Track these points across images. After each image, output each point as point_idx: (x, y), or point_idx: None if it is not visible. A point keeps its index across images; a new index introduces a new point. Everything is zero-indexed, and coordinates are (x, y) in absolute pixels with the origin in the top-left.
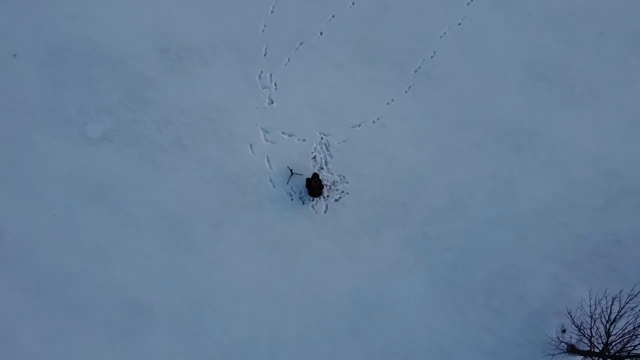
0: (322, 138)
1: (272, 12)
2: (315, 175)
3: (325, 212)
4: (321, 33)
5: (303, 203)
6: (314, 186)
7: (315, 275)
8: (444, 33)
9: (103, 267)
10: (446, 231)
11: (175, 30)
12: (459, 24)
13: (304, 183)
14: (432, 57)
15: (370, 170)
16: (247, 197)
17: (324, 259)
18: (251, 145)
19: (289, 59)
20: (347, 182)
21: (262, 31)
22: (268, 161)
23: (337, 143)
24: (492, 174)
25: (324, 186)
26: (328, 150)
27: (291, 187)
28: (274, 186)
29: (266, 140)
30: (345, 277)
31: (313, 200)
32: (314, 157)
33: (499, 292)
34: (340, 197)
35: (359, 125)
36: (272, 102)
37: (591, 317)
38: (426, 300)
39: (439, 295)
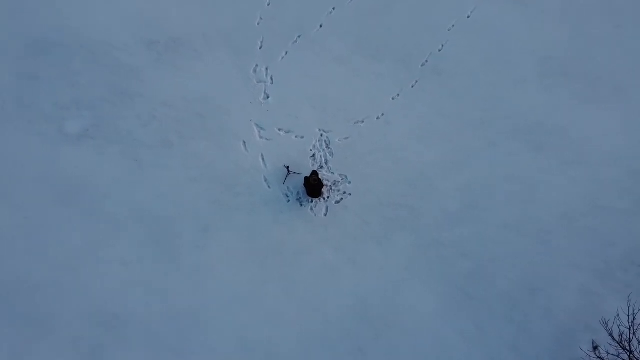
0: (322, 135)
1: (268, 4)
2: (315, 173)
3: (325, 215)
4: (321, 26)
5: (301, 205)
6: (313, 184)
7: (315, 286)
8: (452, 26)
9: (74, 276)
10: (460, 236)
11: (165, 22)
12: (468, 17)
13: (302, 183)
14: (440, 51)
15: (374, 169)
16: (239, 198)
17: (325, 268)
18: (244, 142)
19: (286, 53)
20: (350, 183)
21: (258, 24)
22: (263, 159)
23: (339, 140)
24: (510, 174)
25: (324, 186)
26: (328, 148)
27: (288, 187)
28: (268, 186)
29: (261, 137)
30: (348, 288)
31: (312, 201)
32: (313, 156)
33: (522, 304)
34: (342, 199)
35: (362, 122)
36: (268, 97)
37: (630, 328)
38: (440, 313)
39: (455, 308)
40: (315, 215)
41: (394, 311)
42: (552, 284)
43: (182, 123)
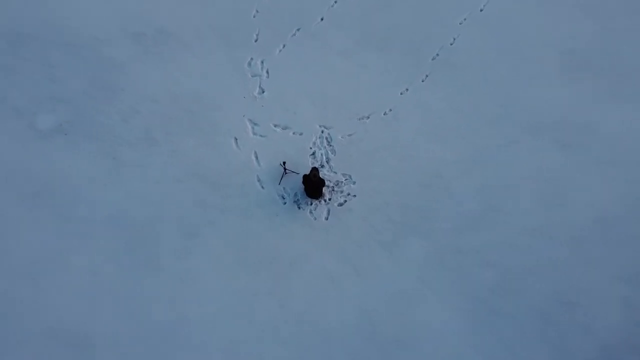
0: (322, 131)
1: None
2: (315, 170)
3: (326, 218)
4: (322, 19)
5: (299, 207)
6: (314, 182)
7: (314, 299)
8: (464, 19)
9: (34, 288)
10: (482, 243)
11: (153, 13)
12: (481, 10)
13: (300, 182)
14: (451, 44)
15: (381, 168)
16: (229, 200)
17: (326, 278)
18: (236, 139)
19: (284, 45)
20: (354, 183)
21: (254, 16)
22: (256, 157)
23: (341, 137)
24: (535, 174)
25: (326, 186)
26: (330, 146)
27: (284, 188)
28: (262, 187)
29: (254, 133)
30: (353, 302)
31: (311, 203)
32: (313, 154)
33: (557, 321)
34: (346, 201)
35: (368, 118)
36: (263, 92)
37: None
38: (461, 332)
39: (479, 326)
40: (315, 218)
41: (406, 329)
42: (591, 298)
43: (168, 119)
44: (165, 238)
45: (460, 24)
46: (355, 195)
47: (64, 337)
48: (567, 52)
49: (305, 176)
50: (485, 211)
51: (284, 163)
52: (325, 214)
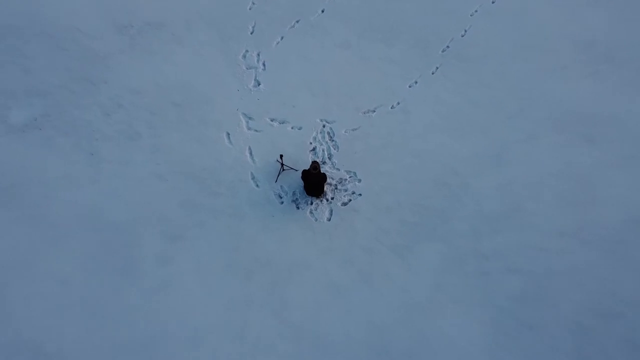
0: (324, 126)
1: None
2: (315, 163)
3: (329, 219)
4: (323, 11)
5: (297, 207)
6: (315, 174)
7: (316, 312)
8: (475, 11)
9: None
10: (505, 246)
11: (141, 5)
12: (493, 2)
13: (299, 180)
14: (462, 36)
15: (390, 165)
16: (218, 199)
17: (329, 288)
18: (228, 134)
19: (282, 38)
20: (359, 181)
21: (250, 8)
22: (250, 154)
23: (345, 132)
24: (560, 171)
25: (328, 184)
26: (332, 141)
27: (281, 186)
28: (257, 185)
29: (249, 128)
30: (361, 314)
31: (312, 203)
32: (314, 149)
33: (596, 334)
34: (351, 200)
35: (374, 111)
36: (259, 84)
37: None
38: (485, 347)
39: (505, 339)
40: (316, 220)
41: (422, 343)
42: (633, 308)
43: (153, 112)
44: (145, 241)
45: (471, 15)
46: (360, 194)
47: (27, 352)
48: (586, 44)
49: (304, 171)
50: (508, 211)
51: (281, 157)
52: (327, 214)
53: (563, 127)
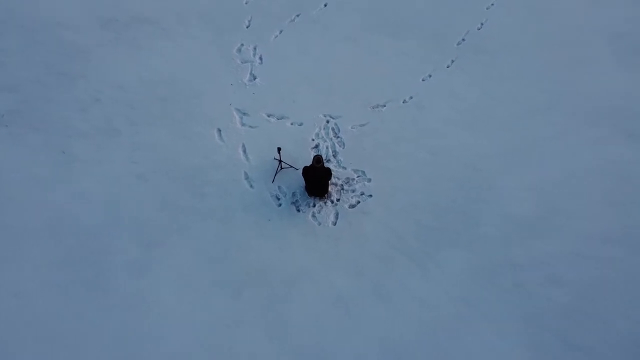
0: (328, 121)
1: None
2: (319, 157)
3: (334, 223)
4: (325, 5)
5: (298, 210)
6: (318, 169)
7: (319, 332)
8: (492, 4)
9: None
10: (543, 253)
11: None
12: None
13: (300, 178)
14: (479, 29)
15: (404, 163)
16: (206, 201)
17: (336, 302)
18: (219, 130)
19: (280, 31)
20: (369, 180)
21: (246, 3)
22: (244, 151)
23: (352, 128)
24: (598, 168)
25: (333, 184)
26: (337, 137)
27: (279, 186)
28: (251, 185)
29: (243, 124)
30: (373, 332)
31: (314, 205)
32: (316, 146)
33: None
34: (359, 202)
35: (384, 106)
36: (255, 78)
37: None
38: None
39: None
40: (320, 224)
41: None
42: None
43: (135, 107)
44: (117, 249)
45: (487, 9)
46: (371, 195)
47: None
48: (617, 35)
49: (306, 167)
50: (543, 214)
51: (279, 151)
52: (332, 218)
53: (597, 121)
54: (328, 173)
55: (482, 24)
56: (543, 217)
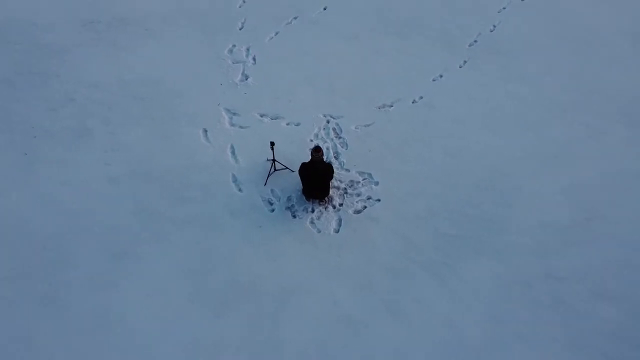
0: (328, 121)
1: None
2: (318, 150)
3: (337, 231)
4: (325, 8)
5: (294, 216)
6: (318, 163)
7: (322, 356)
8: (503, 8)
9: None
10: (585, 263)
11: (114, 2)
12: (522, 0)
13: (296, 179)
14: (492, 31)
15: (417, 165)
16: (187, 206)
17: (340, 322)
18: (205, 130)
19: (276, 33)
20: (377, 184)
21: (240, 7)
22: (232, 152)
23: (356, 128)
24: (636, 169)
25: (336, 188)
26: (339, 138)
27: (272, 189)
28: (239, 189)
29: (232, 124)
30: (386, 356)
31: (313, 211)
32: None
33: None
34: (366, 207)
35: (391, 106)
36: (247, 78)
37: None
38: None
39: None
40: (320, 231)
41: None
42: None
43: (112, 107)
44: (80, 260)
45: (498, 12)
46: (379, 200)
47: None
48: (638, 35)
49: (303, 164)
50: (580, 220)
51: (272, 146)
52: (334, 224)
53: (631, 120)
54: (330, 170)
55: (494, 26)
56: (580, 224)
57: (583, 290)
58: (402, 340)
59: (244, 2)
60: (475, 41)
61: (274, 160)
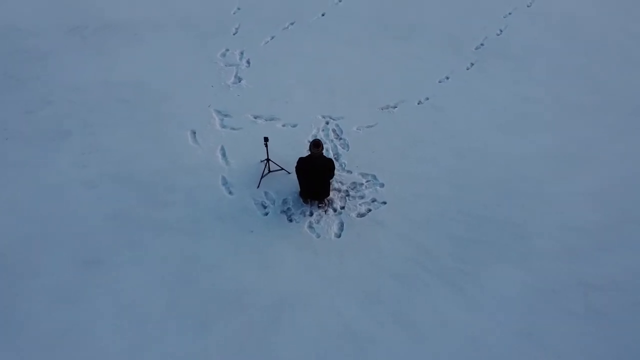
0: (327, 122)
1: None
2: (316, 145)
3: (338, 235)
4: (323, 14)
5: (290, 220)
6: (317, 157)
7: None
8: (509, 13)
9: None
10: (621, 270)
11: (102, 7)
12: (528, 6)
13: (292, 185)
14: (498, 35)
15: (426, 167)
16: (169, 210)
17: (343, 337)
18: (194, 132)
19: (272, 37)
20: (382, 186)
21: (234, 13)
22: (223, 154)
23: (357, 129)
24: None
25: (337, 190)
26: (340, 139)
27: (265, 192)
28: (229, 192)
29: (223, 126)
30: None
31: (311, 214)
32: None
33: None
34: (370, 210)
35: (395, 107)
36: (241, 80)
37: None
38: None
39: None
40: (319, 236)
41: None
42: None
43: (92, 109)
44: (44, 268)
45: (504, 17)
46: (385, 202)
47: None
48: None
49: (301, 159)
50: (610, 222)
51: (266, 142)
52: (335, 228)
53: None
54: (330, 166)
55: (501, 30)
56: (611, 227)
57: (620, 297)
58: (414, 358)
59: (239, 8)
60: (482, 44)
61: (268, 159)
